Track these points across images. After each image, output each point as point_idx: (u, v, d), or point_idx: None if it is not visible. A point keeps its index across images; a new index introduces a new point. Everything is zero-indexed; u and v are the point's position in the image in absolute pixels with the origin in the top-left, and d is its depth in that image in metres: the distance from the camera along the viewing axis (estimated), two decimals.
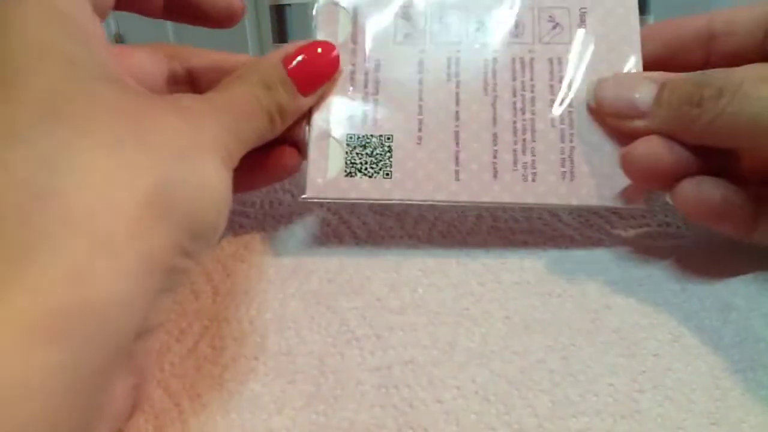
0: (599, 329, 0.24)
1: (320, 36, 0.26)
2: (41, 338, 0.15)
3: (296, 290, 0.25)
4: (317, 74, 0.25)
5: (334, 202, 0.27)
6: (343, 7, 0.27)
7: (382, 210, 0.28)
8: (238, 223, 0.28)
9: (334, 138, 0.25)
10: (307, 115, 0.25)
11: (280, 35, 0.63)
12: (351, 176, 0.25)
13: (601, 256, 0.26)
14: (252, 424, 0.21)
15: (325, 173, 0.25)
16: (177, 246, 0.18)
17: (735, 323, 0.24)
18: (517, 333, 0.24)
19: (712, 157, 0.24)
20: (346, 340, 0.24)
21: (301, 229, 0.28)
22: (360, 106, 0.26)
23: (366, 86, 0.26)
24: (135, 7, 0.25)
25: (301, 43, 0.25)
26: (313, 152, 0.25)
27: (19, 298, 0.15)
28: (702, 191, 0.24)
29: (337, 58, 0.26)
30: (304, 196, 0.25)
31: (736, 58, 0.26)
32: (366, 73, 0.26)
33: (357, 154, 0.25)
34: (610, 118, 0.25)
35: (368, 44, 0.26)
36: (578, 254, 0.26)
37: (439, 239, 0.27)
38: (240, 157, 0.22)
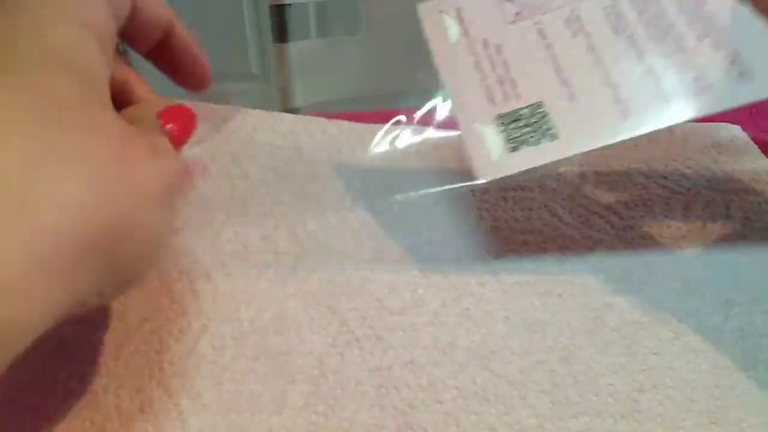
0: (599, 328, 0.24)
1: (431, 43, 0.27)
2: None
3: (296, 290, 0.25)
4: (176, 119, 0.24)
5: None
6: (445, 12, 0.27)
7: (381, 210, 0.28)
8: (239, 222, 0.28)
9: (483, 125, 0.26)
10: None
11: (280, 35, 0.63)
12: (516, 150, 0.25)
13: (601, 255, 0.26)
14: (252, 424, 0.21)
15: (488, 158, 0.25)
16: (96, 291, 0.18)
17: (735, 321, 0.24)
18: (517, 333, 0.24)
19: None
20: (346, 341, 0.24)
21: (302, 228, 0.28)
22: (497, 87, 0.26)
23: (494, 69, 0.26)
24: (127, 37, 0.25)
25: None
26: (468, 142, 0.25)
27: None
28: None
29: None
30: (478, 181, 0.25)
31: None
32: (491, 59, 0.26)
33: (513, 129, 0.25)
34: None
35: (482, 34, 0.27)
36: (578, 254, 0.26)
37: (439, 239, 0.27)
38: None
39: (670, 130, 0.31)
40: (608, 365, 0.22)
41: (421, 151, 0.31)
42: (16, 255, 0.16)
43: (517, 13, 0.27)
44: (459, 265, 0.26)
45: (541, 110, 0.25)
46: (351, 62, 0.65)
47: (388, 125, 0.32)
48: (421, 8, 0.28)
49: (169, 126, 0.23)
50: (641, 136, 0.24)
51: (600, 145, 0.25)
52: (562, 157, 0.25)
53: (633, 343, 0.23)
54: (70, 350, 0.23)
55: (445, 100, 0.29)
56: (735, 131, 0.33)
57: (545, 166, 0.24)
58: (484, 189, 0.29)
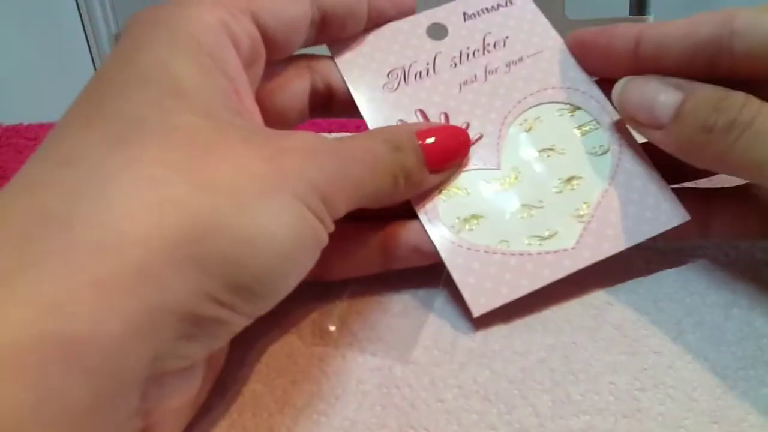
0: (600, 326, 0.24)
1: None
2: (6, 373, 0.14)
3: (297, 290, 0.25)
4: (448, 153, 0.24)
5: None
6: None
7: None
8: None
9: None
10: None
11: None
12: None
13: None
14: (254, 423, 0.21)
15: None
16: (205, 295, 0.17)
17: (737, 320, 0.24)
18: (517, 332, 0.24)
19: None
20: (347, 342, 0.24)
21: None
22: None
23: None
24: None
25: (431, 123, 0.25)
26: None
27: None
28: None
29: (468, 142, 0.25)
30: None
31: (666, 74, 0.25)
32: None
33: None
34: (631, 123, 0.25)
35: None
36: None
37: None
38: (347, 209, 0.21)
39: None
40: (609, 364, 0.22)
41: None
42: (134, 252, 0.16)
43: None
44: None
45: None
46: None
47: None
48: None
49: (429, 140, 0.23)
50: None
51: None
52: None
53: (634, 341, 0.23)
54: None
55: None
56: None
57: None
58: None
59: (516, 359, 0.23)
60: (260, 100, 0.24)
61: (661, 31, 0.24)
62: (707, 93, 0.22)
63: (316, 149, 0.20)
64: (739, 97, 0.22)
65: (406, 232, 0.24)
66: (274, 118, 0.25)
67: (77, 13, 1.55)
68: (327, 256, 0.20)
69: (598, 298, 0.25)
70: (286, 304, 0.25)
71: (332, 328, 0.24)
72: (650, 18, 0.89)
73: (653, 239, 0.25)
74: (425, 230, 0.24)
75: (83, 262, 0.15)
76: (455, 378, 0.22)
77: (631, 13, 0.91)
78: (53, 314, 0.15)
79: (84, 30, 1.55)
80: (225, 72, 0.20)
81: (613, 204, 0.25)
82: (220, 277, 0.17)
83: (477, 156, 0.26)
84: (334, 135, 0.31)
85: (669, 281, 0.25)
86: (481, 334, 0.24)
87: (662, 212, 0.25)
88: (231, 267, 0.17)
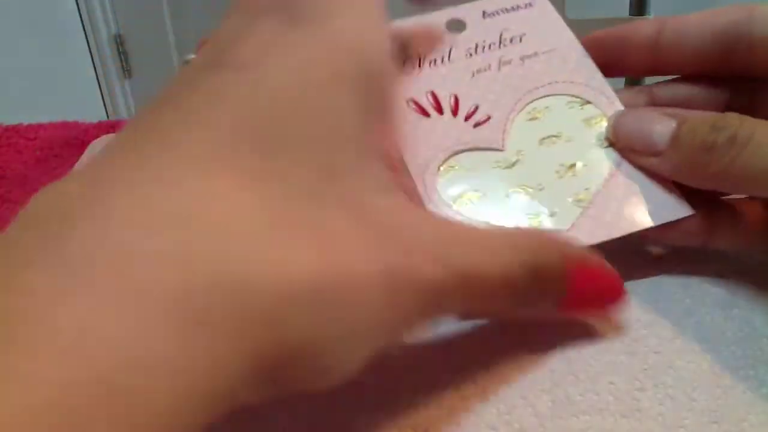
0: (600, 326, 0.24)
1: None
2: None
3: None
4: (594, 298, 0.21)
5: None
6: None
7: None
8: None
9: None
10: None
11: None
12: None
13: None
14: (253, 424, 0.21)
15: None
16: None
17: (737, 320, 0.24)
18: (517, 331, 0.24)
19: None
20: None
21: None
22: None
23: None
24: None
25: (589, 256, 0.21)
26: None
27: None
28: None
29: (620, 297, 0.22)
30: None
31: (684, 69, 0.25)
32: None
33: None
34: (629, 153, 0.25)
35: None
36: None
37: None
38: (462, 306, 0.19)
39: None
40: (609, 364, 0.22)
41: None
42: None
43: None
44: None
45: None
46: None
47: None
48: None
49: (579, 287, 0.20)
50: None
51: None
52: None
53: (633, 341, 0.23)
54: None
55: None
56: None
57: None
58: None
59: (516, 359, 0.23)
60: None
61: (682, 19, 0.25)
62: (703, 115, 0.24)
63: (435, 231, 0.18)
64: (734, 115, 0.22)
65: None
66: None
67: (77, 13, 1.55)
68: None
69: None
70: None
71: None
72: (650, 18, 0.89)
73: (655, 241, 0.25)
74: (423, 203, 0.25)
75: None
76: (455, 378, 0.22)
77: (631, 13, 0.91)
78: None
79: (84, 30, 1.55)
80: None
81: (616, 192, 0.25)
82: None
83: (482, 136, 0.26)
84: None
85: (669, 281, 0.25)
86: (480, 334, 0.24)
87: (666, 204, 0.25)
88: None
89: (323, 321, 0.15)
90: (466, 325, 0.24)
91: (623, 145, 0.25)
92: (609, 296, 0.21)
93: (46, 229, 0.14)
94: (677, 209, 0.25)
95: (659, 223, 0.24)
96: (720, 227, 0.25)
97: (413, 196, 0.20)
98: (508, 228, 0.23)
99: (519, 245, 0.19)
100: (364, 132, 0.18)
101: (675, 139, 0.23)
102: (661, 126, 0.24)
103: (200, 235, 0.14)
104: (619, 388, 0.22)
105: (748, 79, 0.25)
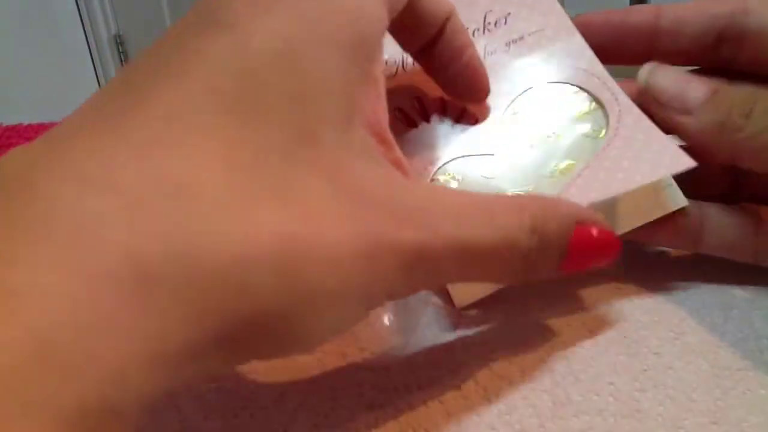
0: (600, 327, 0.24)
1: None
2: None
3: None
4: (594, 256, 0.21)
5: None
6: None
7: None
8: None
9: None
10: None
11: None
12: None
13: None
14: (252, 424, 0.21)
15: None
16: None
17: (736, 321, 0.24)
18: (517, 332, 0.24)
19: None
20: (347, 342, 0.24)
21: None
22: None
23: None
24: (397, 33, 0.23)
25: (591, 212, 0.21)
26: None
27: None
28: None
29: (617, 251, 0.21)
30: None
31: (680, 57, 0.25)
32: None
33: None
34: (657, 106, 0.24)
35: None
36: None
37: None
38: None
39: None
40: (609, 364, 0.22)
41: None
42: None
43: None
44: None
45: None
46: None
47: None
48: None
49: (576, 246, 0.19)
50: None
51: None
52: None
53: (634, 342, 0.23)
54: None
55: None
56: None
57: None
58: None
59: (516, 360, 0.23)
60: None
61: (681, 7, 0.25)
62: (739, 87, 0.23)
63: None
64: None
65: None
66: None
67: (77, 13, 1.55)
68: None
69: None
70: None
71: None
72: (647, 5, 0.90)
73: (652, 243, 0.25)
74: None
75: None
76: (455, 378, 0.22)
77: None
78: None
79: (84, 30, 1.55)
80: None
81: (610, 154, 0.24)
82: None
83: (471, 142, 0.25)
84: None
85: (669, 282, 0.25)
86: (480, 334, 0.24)
87: (665, 157, 0.23)
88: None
89: (289, 287, 0.15)
90: (466, 325, 0.24)
91: (654, 97, 0.24)
92: (606, 251, 0.21)
93: (7, 190, 0.14)
94: (678, 162, 0.23)
95: (660, 176, 0.23)
96: (708, 233, 0.25)
97: (405, 171, 0.20)
98: (508, 195, 0.23)
99: (521, 209, 0.19)
100: (348, 96, 0.17)
101: (712, 98, 0.23)
102: (697, 84, 0.23)
103: (159, 198, 0.14)
104: (620, 389, 0.22)
105: (737, 72, 0.25)
